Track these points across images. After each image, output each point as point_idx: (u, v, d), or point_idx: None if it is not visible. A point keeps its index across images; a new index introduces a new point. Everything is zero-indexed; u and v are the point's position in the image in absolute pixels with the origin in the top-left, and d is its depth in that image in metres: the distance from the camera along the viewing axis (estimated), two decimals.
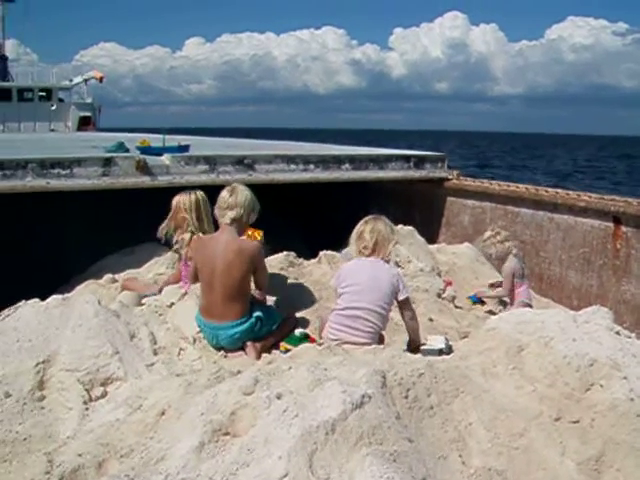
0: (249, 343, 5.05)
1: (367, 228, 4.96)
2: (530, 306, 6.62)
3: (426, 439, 3.08)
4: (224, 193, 5.23)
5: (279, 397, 2.97)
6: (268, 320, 5.18)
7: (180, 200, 5.97)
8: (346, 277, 4.90)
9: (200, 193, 6.02)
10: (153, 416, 3.40)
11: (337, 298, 4.90)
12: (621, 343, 3.84)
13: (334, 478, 2.60)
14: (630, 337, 4.08)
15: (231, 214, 5.12)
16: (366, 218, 5.08)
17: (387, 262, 4.95)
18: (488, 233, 7.11)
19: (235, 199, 5.15)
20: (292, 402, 2.89)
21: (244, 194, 5.21)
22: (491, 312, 6.66)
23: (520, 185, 8.96)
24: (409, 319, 4.96)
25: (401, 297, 4.84)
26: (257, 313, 5.11)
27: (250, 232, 5.46)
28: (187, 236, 5.88)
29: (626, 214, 7.34)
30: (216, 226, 5.42)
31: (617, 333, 3.99)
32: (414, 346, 4.89)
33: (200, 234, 5.75)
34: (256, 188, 7.97)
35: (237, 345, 5.07)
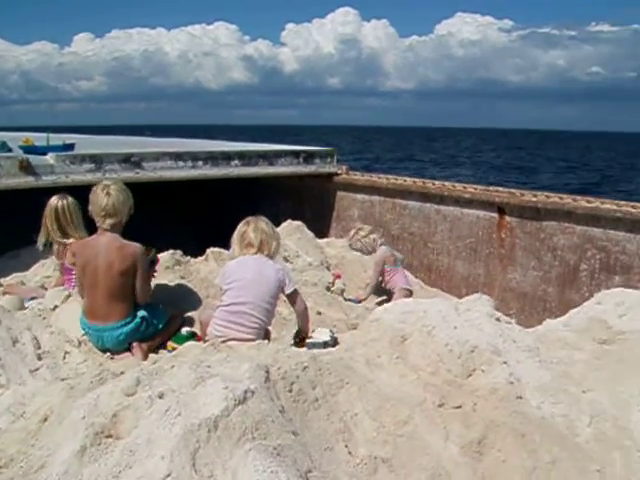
0: (135, 344, 4.98)
1: (250, 228, 4.97)
2: (411, 291, 6.76)
3: (311, 431, 3.08)
4: (99, 197, 5.08)
5: (161, 396, 2.92)
6: (154, 320, 5.12)
7: (47, 207, 5.86)
8: (231, 274, 4.88)
9: (63, 202, 5.86)
10: (35, 423, 3.29)
11: (222, 295, 4.88)
12: (501, 329, 3.94)
13: (218, 475, 2.57)
14: (510, 323, 4.19)
15: (110, 221, 5.04)
16: (247, 219, 5.09)
17: (271, 259, 4.96)
18: (352, 232, 7.27)
19: (113, 207, 5.04)
20: (174, 401, 2.85)
21: (119, 198, 5.09)
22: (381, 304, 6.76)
23: (407, 178, 9.11)
24: (301, 311, 4.99)
25: (288, 291, 4.88)
26: (142, 313, 5.04)
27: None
28: (55, 246, 5.81)
29: (510, 205, 7.56)
30: (90, 228, 5.33)
31: (497, 319, 4.10)
32: (304, 337, 4.92)
33: (67, 240, 5.66)
34: (145, 186, 7.86)
35: (123, 346, 4.99)
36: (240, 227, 5.04)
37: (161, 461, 2.58)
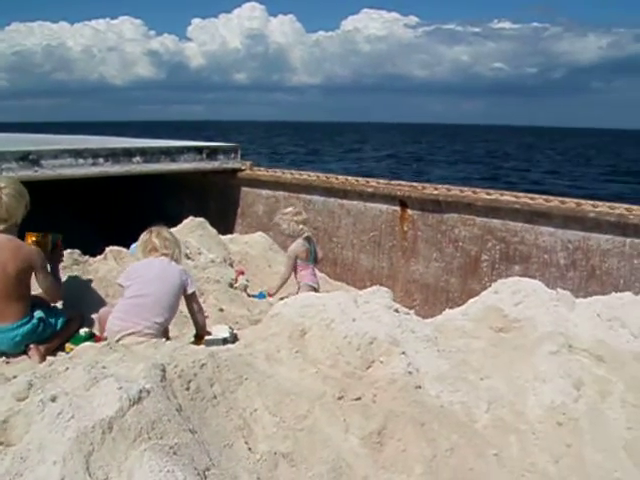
0: (32, 346, 4.85)
1: (152, 235, 5.07)
2: (315, 289, 6.77)
3: (210, 429, 3.06)
4: None
5: (54, 400, 2.84)
6: (51, 320, 5.00)
7: None
8: (134, 272, 4.92)
9: None
10: None
11: (124, 292, 4.87)
12: (400, 320, 3.98)
13: (113, 478, 2.53)
14: (409, 314, 4.24)
15: (2, 226, 4.87)
16: (149, 228, 5.16)
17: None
18: (290, 209, 7.20)
19: (7, 212, 4.87)
20: (67, 404, 2.78)
21: (11, 202, 4.91)
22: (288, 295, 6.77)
23: (312, 173, 9.14)
24: (197, 312, 5.05)
25: (189, 291, 4.94)
26: (39, 314, 4.92)
27: (34, 238, 5.20)
28: None
29: (411, 198, 7.66)
30: None
31: (396, 311, 4.14)
32: (201, 338, 4.93)
33: None
34: (45, 184, 7.66)
35: (19, 349, 4.85)
36: (143, 236, 5.12)
37: (53, 466, 2.51)
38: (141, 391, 2.83)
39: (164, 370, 3.13)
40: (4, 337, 4.78)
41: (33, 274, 4.93)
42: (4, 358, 4.78)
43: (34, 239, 5.17)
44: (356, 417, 3.34)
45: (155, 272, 4.84)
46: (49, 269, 5.08)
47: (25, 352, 4.86)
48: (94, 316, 5.31)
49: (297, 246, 6.98)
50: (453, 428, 3.33)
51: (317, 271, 7.35)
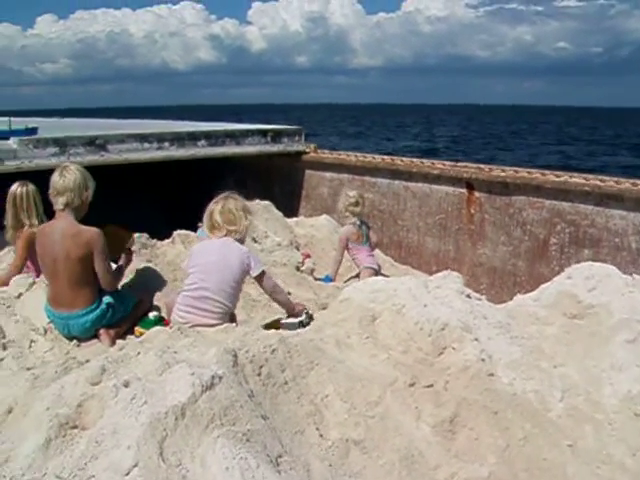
0: (102, 330, 4.90)
1: (217, 208, 4.86)
2: (376, 271, 6.75)
3: (282, 415, 3.04)
4: (54, 177, 4.98)
5: (126, 385, 2.85)
6: (120, 305, 5.04)
7: (9, 194, 5.79)
8: (195, 258, 4.82)
9: (22, 189, 5.78)
10: (0, 415, 3.23)
11: (186, 280, 4.83)
12: (471, 306, 3.92)
13: (186, 463, 2.52)
14: (480, 299, 4.17)
15: (62, 200, 4.90)
16: (217, 197, 4.97)
17: (240, 241, 4.87)
18: (354, 195, 7.21)
19: (64, 182, 4.91)
20: (140, 389, 2.79)
21: (73, 174, 4.96)
22: (352, 278, 6.76)
23: (376, 156, 9.08)
24: (271, 292, 4.94)
25: (255, 273, 4.79)
26: (108, 299, 4.96)
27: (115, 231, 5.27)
28: (9, 233, 5.78)
29: (478, 180, 7.55)
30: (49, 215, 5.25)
31: (468, 296, 4.08)
32: (290, 315, 4.93)
33: (30, 229, 5.59)
34: (112, 168, 7.75)
35: (90, 334, 4.91)
36: (210, 206, 4.92)
37: (127, 451, 2.52)
38: (213, 377, 2.82)
39: (236, 355, 3.12)
40: (74, 323, 4.84)
41: None
42: (75, 342, 4.84)
43: (118, 232, 5.25)
44: (428, 405, 3.30)
45: (214, 258, 4.71)
46: (109, 262, 5.11)
47: (96, 336, 4.92)
48: (163, 301, 5.34)
49: (346, 229, 7.04)
50: (527, 417, 3.27)
51: (382, 254, 7.31)
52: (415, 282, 4.10)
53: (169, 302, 4.93)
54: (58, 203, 4.90)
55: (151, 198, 11.27)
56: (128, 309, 5.11)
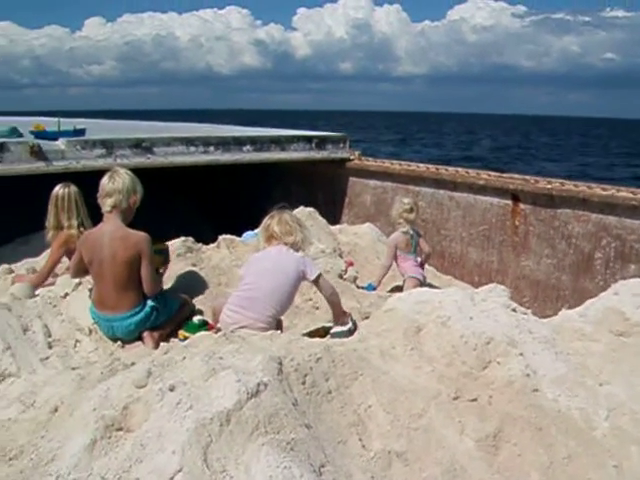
0: (146, 333, 4.95)
1: (273, 221, 4.94)
2: (420, 281, 6.72)
3: (325, 424, 3.04)
4: (103, 180, 5.08)
5: (172, 389, 2.88)
6: (164, 308, 5.08)
7: (52, 195, 5.88)
8: (251, 264, 4.91)
9: (63, 190, 5.87)
10: (46, 413, 3.26)
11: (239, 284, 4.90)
12: (517, 320, 3.88)
13: (230, 470, 2.54)
14: (526, 314, 4.13)
15: (110, 201, 4.99)
16: (271, 213, 5.05)
17: (296, 251, 4.92)
18: (408, 202, 7.17)
19: (113, 185, 5.01)
20: (186, 394, 2.81)
21: (122, 178, 5.06)
22: (395, 287, 6.74)
23: (420, 164, 9.06)
24: (329, 295, 4.97)
25: (312, 277, 4.83)
26: (152, 302, 5.01)
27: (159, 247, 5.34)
28: (50, 234, 5.91)
29: (524, 192, 7.51)
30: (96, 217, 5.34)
31: (514, 310, 4.04)
32: (337, 321, 4.98)
33: (68, 230, 5.69)
34: (157, 171, 7.82)
35: (134, 336, 4.97)
36: (265, 220, 5.02)
37: (172, 456, 2.54)
38: (259, 384, 2.83)
39: (281, 363, 3.12)
40: (119, 325, 4.89)
41: None
42: (119, 343, 4.89)
43: (159, 247, 5.31)
44: (471, 418, 3.28)
45: (270, 264, 4.78)
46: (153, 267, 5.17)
47: (140, 338, 4.97)
48: (210, 304, 5.37)
49: (397, 235, 7.00)
50: (571, 435, 3.23)
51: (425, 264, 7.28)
52: (461, 294, 4.08)
53: (217, 305, 4.96)
54: (106, 205, 4.98)
55: (195, 202, 11.36)
56: (171, 312, 5.15)
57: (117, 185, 4.97)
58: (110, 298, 4.91)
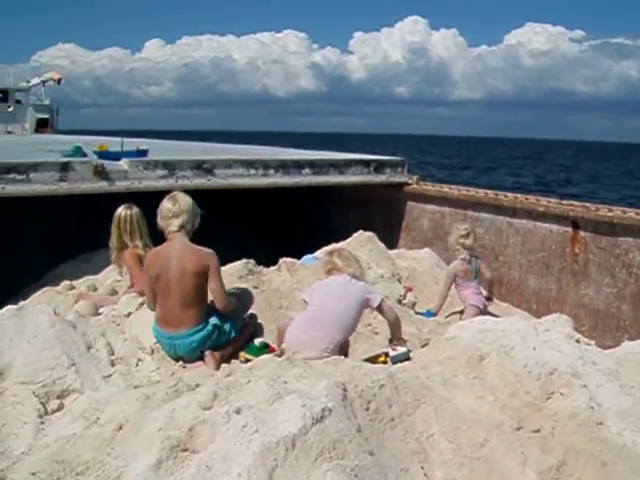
0: (208, 352, 5.01)
1: (334, 256, 5.14)
2: (481, 310, 6.66)
3: (387, 451, 3.05)
4: (166, 203, 5.21)
5: (238, 412, 2.91)
6: (226, 328, 5.13)
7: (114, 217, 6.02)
8: (317, 289, 5.01)
9: (126, 212, 6.02)
10: (110, 431, 3.32)
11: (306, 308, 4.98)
12: (581, 351, 3.85)
13: None
14: (589, 345, 4.09)
15: (177, 222, 5.12)
16: (329, 251, 5.43)
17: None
18: (465, 227, 7.13)
19: (179, 207, 5.15)
20: (251, 417, 2.84)
21: (186, 201, 5.22)
22: (454, 314, 6.70)
23: (479, 190, 8.99)
24: (393, 319, 5.05)
25: (376, 303, 4.93)
26: (214, 321, 5.07)
27: None
28: (114, 255, 6.11)
29: (584, 219, 7.41)
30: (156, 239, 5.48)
31: (577, 341, 4.01)
32: (396, 340, 5.07)
33: (131, 249, 5.82)
34: (216, 193, 7.91)
35: (195, 354, 5.02)
36: (324, 257, 5.31)
37: (238, 478, 2.57)
38: (324, 410, 2.86)
39: (345, 389, 3.14)
40: (181, 343, 4.95)
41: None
42: (181, 363, 4.95)
43: None
44: (534, 450, 3.25)
45: (336, 289, 4.89)
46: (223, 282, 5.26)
47: (201, 358, 5.02)
48: (268, 327, 5.42)
49: (456, 264, 6.94)
50: (636, 470, 3.19)
51: (482, 291, 7.22)
52: (524, 324, 4.06)
53: (282, 325, 5.00)
54: (173, 225, 5.09)
55: (251, 225, 11.44)
56: (233, 333, 5.19)
57: (183, 207, 5.11)
58: (174, 315, 4.99)
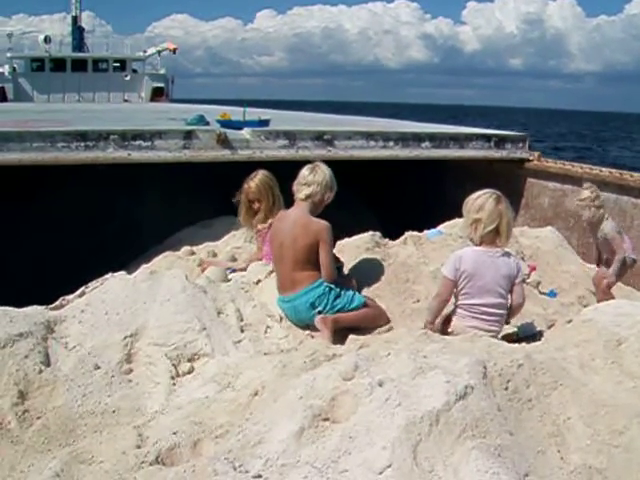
0: (320, 316, 4.94)
1: (485, 212, 4.71)
2: (635, 261, 6.45)
3: (525, 432, 3.01)
4: (304, 170, 5.27)
5: (381, 384, 2.93)
6: (343, 292, 5.10)
7: (249, 189, 6.16)
8: (466, 269, 4.63)
9: (259, 178, 6.13)
10: (246, 396, 3.39)
11: (457, 290, 4.71)
12: None
13: (438, 471, 2.56)
14: None
15: (307, 191, 5.16)
16: (482, 195, 4.88)
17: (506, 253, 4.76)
18: (587, 193, 6.81)
19: (314, 177, 5.18)
20: (394, 390, 2.85)
21: (323, 173, 5.23)
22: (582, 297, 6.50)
23: (604, 169, 8.73)
24: (520, 301, 4.79)
25: (518, 280, 4.73)
26: (329, 284, 5.08)
27: None
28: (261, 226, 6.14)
29: None
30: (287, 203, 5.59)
31: None
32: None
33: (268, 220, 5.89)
34: (333, 164, 7.92)
35: (311, 313, 4.98)
36: (475, 203, 4.84)
37: (382, 451, 2.58)
38: (466, 387, 2.85)
39: (485, 367, 3.11)
40: (299, 303, 4.98)
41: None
42: (309, 332, 4.94)
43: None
44: None
45: (490, 278, 4.62)
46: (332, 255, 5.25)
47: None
48: (396, 299, 5.37)
49: (613, 223, 6.63)
50: None
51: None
52: None
53: (437, 307, 4.84)
54: (301, 192, 5.17)
55: (363, 197, 11.38)
56: (353, 302, 5.12)
57: (317, 178, 5.13)
58: (289, 279, 5.06)
